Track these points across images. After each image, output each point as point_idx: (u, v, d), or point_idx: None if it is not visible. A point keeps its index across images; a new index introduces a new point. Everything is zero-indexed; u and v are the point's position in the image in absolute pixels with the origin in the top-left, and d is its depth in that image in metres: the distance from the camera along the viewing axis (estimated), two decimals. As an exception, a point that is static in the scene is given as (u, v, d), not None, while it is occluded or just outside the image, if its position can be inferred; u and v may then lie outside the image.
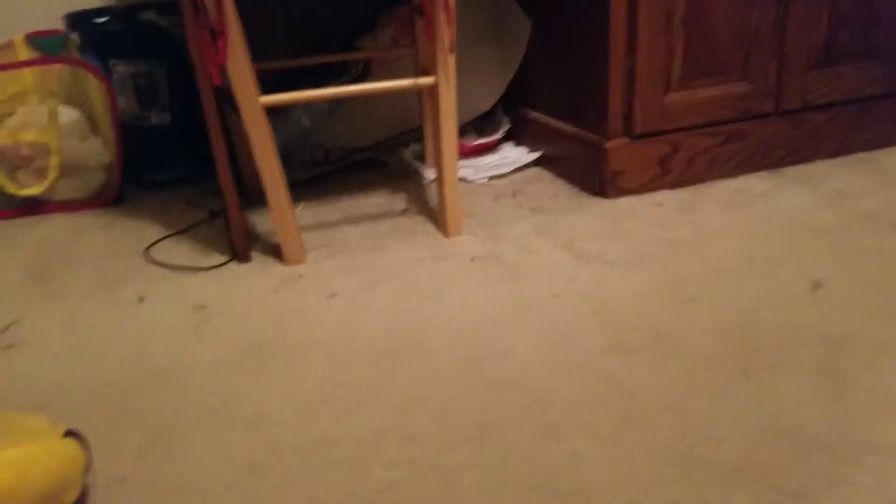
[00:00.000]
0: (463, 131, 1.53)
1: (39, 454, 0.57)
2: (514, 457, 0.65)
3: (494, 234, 1.16)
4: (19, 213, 1.44)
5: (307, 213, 1.34)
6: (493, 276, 1.02)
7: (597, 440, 0.66)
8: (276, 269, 1.11)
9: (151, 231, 1.31)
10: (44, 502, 0.56)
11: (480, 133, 1.51)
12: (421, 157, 1.51)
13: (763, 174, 1.35)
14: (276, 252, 1.16)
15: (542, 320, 0.88)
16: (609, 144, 1.23)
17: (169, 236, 1.27)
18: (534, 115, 1.47)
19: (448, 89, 1.08)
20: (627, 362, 0.78)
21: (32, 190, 1.41)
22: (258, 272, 1.10)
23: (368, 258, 1.10)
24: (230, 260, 1.15)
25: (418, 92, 1.43)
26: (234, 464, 0.67)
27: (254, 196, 1.40)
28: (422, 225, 1.22)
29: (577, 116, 1.33)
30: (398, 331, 0.89)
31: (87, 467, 0.62)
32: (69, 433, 0.62)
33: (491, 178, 1.42)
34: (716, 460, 0.63)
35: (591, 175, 1.29)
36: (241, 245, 1.15)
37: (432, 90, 1.09)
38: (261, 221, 1.31)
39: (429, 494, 0.61)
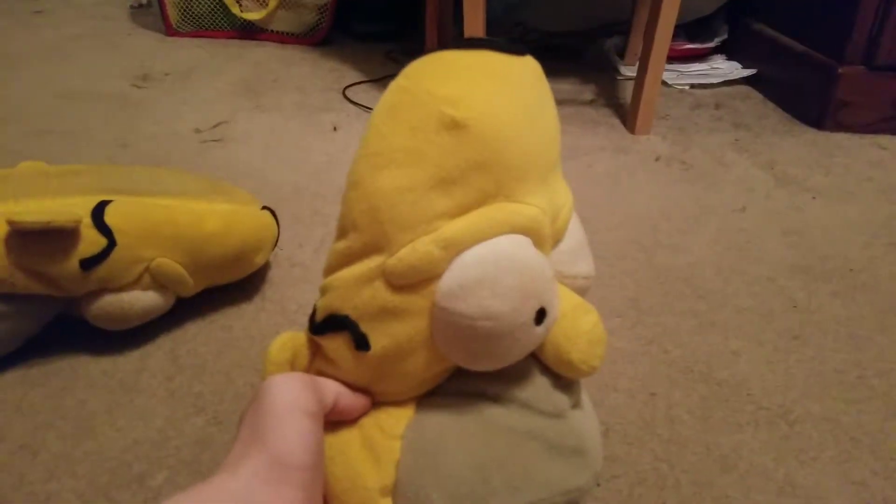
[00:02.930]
0: (673, 33, 1.42)
1: (243, 213, 0.64)
2: (667, 338, 0.64)
3: (687, 139, 1.10)
4: (238, 35, 1.56)
5: (496, 85, 1.33)
6: (677, 177, 0.97)
7: (760, 346, 0.63)
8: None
9: (350, 74, 1.37)
10: (240, 253, 0.63)
11: (692, 38, 1.40)
12: (620, 53, 1.44)
13: None
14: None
15: (724, 228, 0.83)
16: (842, 70, 1.10)
17: (365, 82, 1.32)
18: (757, 26, 1.34)
19: (679, -29, 1.00)
20: (811, 286, 0.73)
21: (253, 15, 1.51)
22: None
23: (550, 137, 1.09)
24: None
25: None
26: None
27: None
28: (607, 118, 1.18)
29: (811, 33, 1.19)
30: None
31: (276, 241, 0.68)
32: (266, 208, 0.68)
33: (693, 85, 1.32)
34: (889, 395, 0.58)
35: (811, 102, 1.16)
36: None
37: (661, -29, 1.02)
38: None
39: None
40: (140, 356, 0.60)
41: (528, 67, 0.36)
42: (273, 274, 0.71)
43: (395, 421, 0.37)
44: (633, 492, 0.48)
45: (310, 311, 0.38)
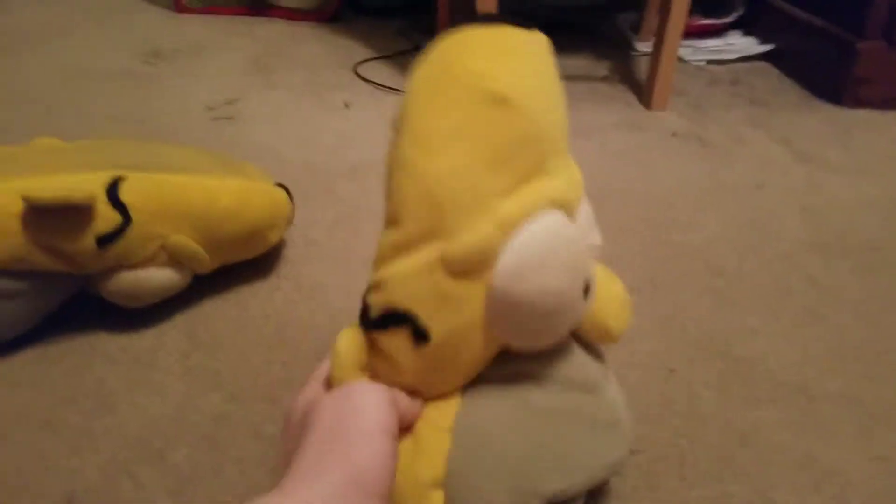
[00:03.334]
0: (689, 8, 1.40)
1: (256, 190, 0.63)
2: (685, 315, 0.63)
3: (703, 116, 1.08)
4: (248, 11, 1.54)
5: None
6: (693, 154, 0.96)
7: (778, 322, 0.63)
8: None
9: (361, 51, 1.35)
10: (254, 230, 0.63)
11: (708, 13, 1.38)
12: (635, 28, 1.42)
13: None
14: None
15: (741, 205, 0.82)
16: (862, 45, 1.08)
17: (376, 58, 1.31)
18: (774, 1, 1.31)
19: (697, -57, 0.98)
20: (830, 263, 0.72)
21: (263, -8, 1.49)
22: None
23: (563, 114, 1.07)
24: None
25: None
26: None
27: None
28: (622, 94, 1.16)
29: (829, 8, 1.16)
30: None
31: (290, 218, 0.68)
32: (280, 185, 0.68)
33: (710, 62, 1.30)
34: (911, 373, 0.57)
35: (830, 78, 1.14)
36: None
37: (678, -58, 1.00)
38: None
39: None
40: (156, 334, 0.60)
41: (539, 42, 0.37)
42: (288, 252, 0.71)
43: (442, 414, 0.36)
44: (652, 468, 0.48)
45: (325, 289, 0.37)
